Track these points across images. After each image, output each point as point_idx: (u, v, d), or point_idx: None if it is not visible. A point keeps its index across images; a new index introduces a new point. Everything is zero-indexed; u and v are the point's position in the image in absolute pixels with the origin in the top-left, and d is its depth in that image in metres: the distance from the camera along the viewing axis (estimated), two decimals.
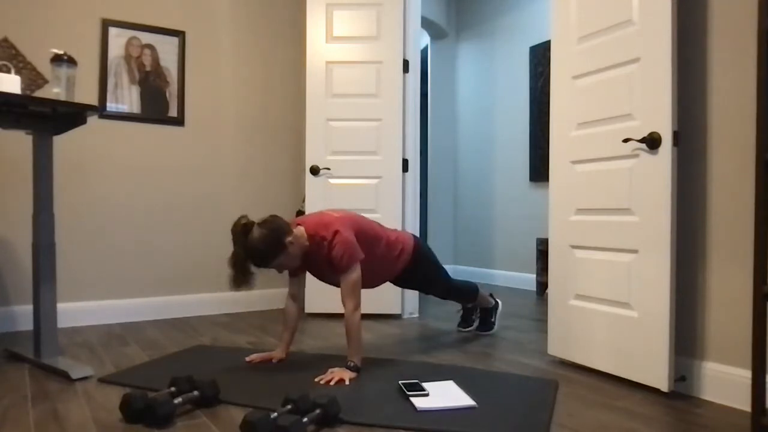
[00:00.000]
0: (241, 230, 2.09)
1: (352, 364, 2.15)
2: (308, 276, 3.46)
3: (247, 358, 2.35)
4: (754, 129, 1.85)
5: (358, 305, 2.18)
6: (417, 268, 2.57)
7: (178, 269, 3.46)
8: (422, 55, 6.30)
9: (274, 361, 2.34)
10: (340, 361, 2.22)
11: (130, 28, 3.31)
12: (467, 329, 3.05)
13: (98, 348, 2.62)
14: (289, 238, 2.14)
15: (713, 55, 1.98)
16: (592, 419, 1.76)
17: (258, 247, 2.07)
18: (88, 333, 2.94)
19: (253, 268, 2.12)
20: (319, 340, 2.82)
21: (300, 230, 2.22)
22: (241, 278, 2.09)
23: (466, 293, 2.82)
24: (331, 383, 2.05)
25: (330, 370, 2.13)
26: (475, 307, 3.05)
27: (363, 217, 2.43)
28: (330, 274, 2.31)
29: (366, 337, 2.85)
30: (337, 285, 2.28)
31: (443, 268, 2.69)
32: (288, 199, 3.87)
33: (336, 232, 2.19)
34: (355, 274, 2.19)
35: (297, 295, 2.40)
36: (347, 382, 2.06)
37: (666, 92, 1.97)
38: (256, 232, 2.08)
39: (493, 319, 3.00)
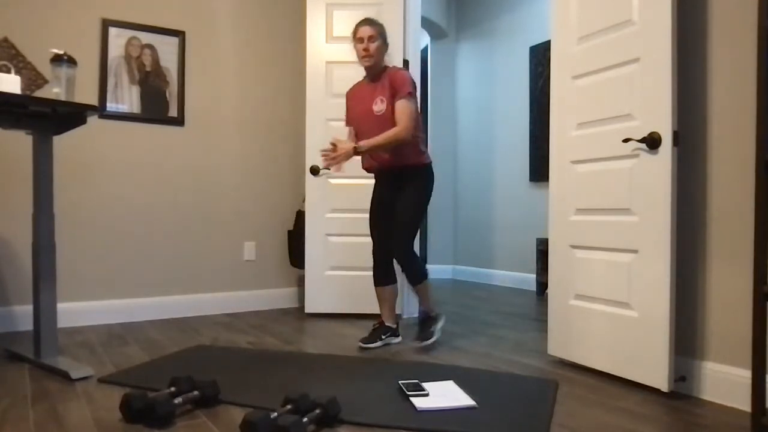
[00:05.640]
0: None
1: (358, 146, 2.40)
2: (308, 275, 3.46)
3: (322, 154, 2.46)
4: (754, 129, 1.85)
5: (407, 129, 2.42)
6: (411, 185, 2.59)
7: (178, 269, 3.46)
8: (422, 55, 6.30)
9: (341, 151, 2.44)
10: (340, 361, 2.22)
11: (130, 28, 3.31)
12: (426, 342, 2.66)
13: (98, 348, 2.62)
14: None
15: (713, 55, 1.98)
16: (592, 419, 1.76)
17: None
18: (88, 333, 2.94)
19: None
20: (319, 340, 2.82)
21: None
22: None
23: (418, 267, 2.58)
24: (335, 159, 2.37)
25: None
26: (436, 317, 2.76)
27: None
28: (372, 122, 2.54)
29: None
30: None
31: (419, 226, 2.56)
32: (288, 199, 3.87)
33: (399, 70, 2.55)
34: (413, 105, 2.42)
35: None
36: (344, 168, 2.48)
37: (666, 92, 1.97)
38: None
39: (432, 329, 2.68)
